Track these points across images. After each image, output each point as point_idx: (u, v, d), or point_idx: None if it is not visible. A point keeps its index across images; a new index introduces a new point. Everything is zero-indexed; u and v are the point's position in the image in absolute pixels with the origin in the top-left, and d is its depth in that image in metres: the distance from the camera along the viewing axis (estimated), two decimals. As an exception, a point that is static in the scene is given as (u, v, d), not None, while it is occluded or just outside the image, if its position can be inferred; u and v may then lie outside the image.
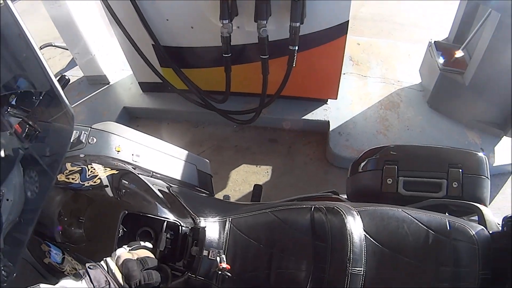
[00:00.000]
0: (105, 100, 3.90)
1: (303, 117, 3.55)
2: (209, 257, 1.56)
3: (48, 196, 1.54)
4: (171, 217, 1.62)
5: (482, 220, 1.69)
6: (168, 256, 1.59)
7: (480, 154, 1.98)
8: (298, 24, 2.50)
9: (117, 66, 4.06)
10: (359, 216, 1.63)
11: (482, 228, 1.61)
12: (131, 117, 3.86)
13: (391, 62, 4.15)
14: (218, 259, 1.53)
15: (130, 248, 1.41)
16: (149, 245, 1.50)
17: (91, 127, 1.91)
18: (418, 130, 3.53)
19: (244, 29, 2.75)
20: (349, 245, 1.54)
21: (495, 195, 3.26)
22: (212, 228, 1.68)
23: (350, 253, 1.52)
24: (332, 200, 2.05)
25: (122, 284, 1.27)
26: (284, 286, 1.59)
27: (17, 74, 1.46)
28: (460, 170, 1.94)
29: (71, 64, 4.54)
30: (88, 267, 1.24)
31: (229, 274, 1.55)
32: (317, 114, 3.57)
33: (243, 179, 3.28)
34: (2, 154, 1.27)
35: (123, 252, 1.35)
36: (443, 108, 3.63)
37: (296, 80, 3.18)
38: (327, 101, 3.60)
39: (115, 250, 1.35)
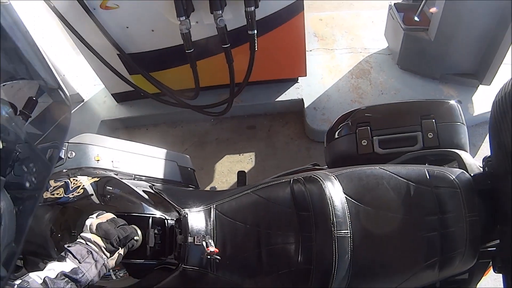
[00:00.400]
0: (82, 118, 3.90)
1: (277, 99, 3.59)
2: (195, 243, 1.57)
3: (37, 216, 1.57)
4: (156, 213, 1.63)
5: (462, 165, 1.70)
6: (159, 251, 1.60)
7: (452, 101, 2.00)
8: (253, 8, 2.53)
9: (88, 82, 4.06)
10: (337, 180, 1.64)
11: (462, 172, 1.62)
12: (111, 130, 3.87)
13: (355, 31, 4.19)
14: (204, 243, 1.55)
15: (97, 214, 1.44)
16: (139, 239, 1.53)
17: (68, 142, 1.94)
18: (392, 93, 3.58)
19: (203, 23, 2.77)
20: (330, 209, 1.55)
21: (480, 144, 3.31)
22: (197, 217, 1.70)
23: (333, 217, 1.54)
24: (312, 171, 2.05)
25: (104, 245, 1.33)
26: (276, 261, 1.61)
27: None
28: (433, 120, 1.95)
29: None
30: (67, 246, 1.29)
31: (218, 257, 1.57)
32: (290, 94, 3.61)
33: (229, 170, 3.32)
34: (0, 145, 1.28)
35: (93, 220, 1.39)
36: (413, 67, 3.68)
37: (264, 64, 3.21)
38: (297, 79, 3.64)
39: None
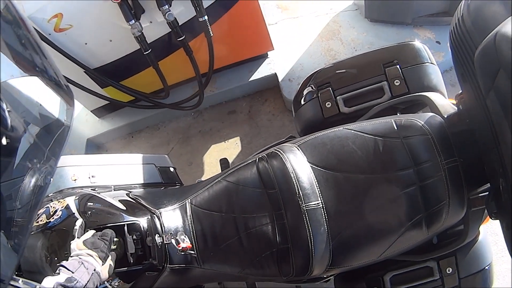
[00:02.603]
0: (69, 140, 3.88)
1: (251, 79, 3.55)
2: (165, 242, 1.58)
3: (30, 246, 1.58)
4: (131, 219, 1.64)
5: (433, 108, 1.61)
6: (142, 256, 1.61)
7: (415, 42, 1.91)
8: (197, -6, 2.51)
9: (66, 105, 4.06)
10: (300, 150, 1.61)
11: (433, 115, 1.55)
12: (98, 145, 3.88)
13: (317, -6, 4.11)
14: (173, 241, 1.56)
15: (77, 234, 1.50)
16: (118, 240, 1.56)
17: None
18: (366, 47, 3.53)
19: (156, 22, 2.75)
20: (295, 182, 1.52)
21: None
22: (173, 215, 1.71)
23: (298, 190, 1.51)
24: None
25: (96, 253, 1.41)
26: (257, 245, 1.61)
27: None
28: (398, 65, 1.86)
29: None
30: (60, 263, 1.35)
31: (192, 252, 1.58)
32: (263, 71, 3.56)
33: (217, 160, 3.29)
34: (4, 142, 1.28)
35: (77, 240, 1.47)
36: (383, 17, 3.59)
37: (228, 47, 3.23)
38: (267, 55, 3.60)
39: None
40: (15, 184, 1.35)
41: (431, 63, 1.88)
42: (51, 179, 1.47)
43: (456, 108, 1.55)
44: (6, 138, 1.27)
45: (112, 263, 1.47)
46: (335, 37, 3.66)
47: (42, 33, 2.65)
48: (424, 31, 3.48)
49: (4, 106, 1.28)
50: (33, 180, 1.40)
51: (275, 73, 3.51)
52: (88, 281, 1.32)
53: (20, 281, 1.29)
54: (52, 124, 1.59)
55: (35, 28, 2.54)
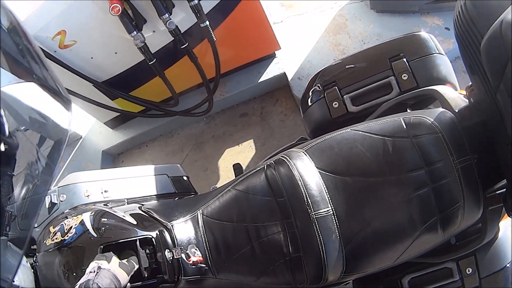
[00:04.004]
0: (84, 153, 3.94)
1: (260, 80, 3.52)
2: (175, 256, 1.56)
3: (47, 263, 1.62)
4: (143, 233, 1.64)
5: (444, 102, 1.53)
6: (156, 269, 1.61)
7: (421, 32, 1.85)
8: (196, 1, 2.49)
9: (80, 118, 4.10)
10: (307, 155, 1.57)
11: (443, 111, 1.48)
12: (113, 157, 3.92)
13: (321, -11, 4.05)
14: (183, 255, 1.55)
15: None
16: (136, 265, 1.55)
17: (57, 187, 1.97)
18: (374, 39, 3.46)
19: (159, 31, 2.75)
20: (302, 190, 1.48)
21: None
22: (185, 227, 1.70)
23: (306, 197, 1.47)
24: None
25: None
26: (270, 254, 1.58)
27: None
28: (404, 58, 1.80)
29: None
30: None
31: (203, 265, 1.57)
32: (271, 71, 3.53)
33: (231, 164, 3.29)
34: (2, 148, 1.30)
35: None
36: (389, 7, 3.50)
37: (234, 50, 3.21)
38: (275, 54, 3.56)
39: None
40: (14, 191, 1.36)
41: (439, 53, 1.82)
42: (51, 185, 1.48)
43: (467, 100, 1.49)
44: (4, 144, 1.28)
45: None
46: (342, 31, 3.61)
47: (47, 51, 2.66)
48: (432, 18, 3.39)
49: (2, 112, 1.28)
50: (31, 186, 1.41)
51: (284, 73, 3.47)
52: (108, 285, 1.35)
53: None
54: (51, 130, 1.59)
55: (40, 47, 2.56)
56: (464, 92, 1.53)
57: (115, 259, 1.48)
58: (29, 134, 1.49)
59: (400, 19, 3.48)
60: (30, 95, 1.50)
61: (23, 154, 1.42)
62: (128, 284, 1.49)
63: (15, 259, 1.37)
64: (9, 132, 1.33)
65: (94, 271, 1.39)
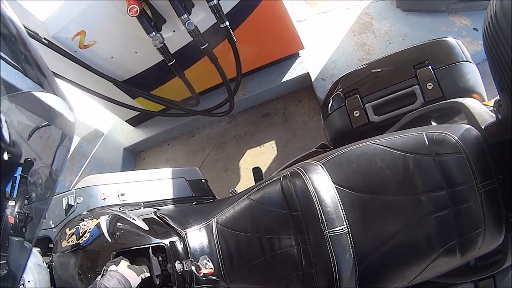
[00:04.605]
0: (106, 150, 3.99)
1: (283, 80, 3.47)
2: (185, 269, 1.54)
3: (63, 264, 1.63)
4: (156, 241, 1.63)
5: (470, 117, 1.44)
6: (168, 277, 1.59)
7: (448, 38, 1.76)
8: (215, 1, 2.46)
9: (102, 116, 4.13)
10: (324, 169, 1.51)
11: (468, 128, 1.39)
12: (135, 154, 3.95)
13: (346, -14, 3.96)
14: (193, 268, 1.52)
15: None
16: (147, 274, 1.54)
17: (74, 189, 1.97)
18: (400, 39, 3.37)
19: (179, 31, 2.72)
20: (317, 207, 1.44)
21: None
22: (199, 235, 1.68)
23: (321, 215, 1.42)
24: (316, 155, 1.87)
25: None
26: (283, 266, 1.54)
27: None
28: (430, 66, 1.73)
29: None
30: None
31: (214, 277, 1.54)
32: (295, 71, 3.48)
33: (253, 165, 3.25)
34: (5, 157, 1.29)
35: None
36: (416, 6, 3.40)
37: (256, 50, 3.19)
38: (298, 54, 3.51)
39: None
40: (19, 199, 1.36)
41: (467, 61, 1.73)
42: (52, 194, 1.48)
43: (495, 116, 1.38)
44: (7, 153, 1.28)
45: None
46: (367, 30, 3.52)
47: (67, 51, 2.68)
48: (459, 18, 3.27)
49: (3, 120, 1.27)
50: (34, 195, 1.41)
51: (308, 73, 3.42)
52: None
53: None
54: (55, 136, 1.58)
55: (60, 48, 2.57)
56: (491, 104, 1.45)
57: (123, 262, 1.48)
58: (31, 142, 1.48)
59: (427, 18, 3.38)
60: (31, 101, 1.48)
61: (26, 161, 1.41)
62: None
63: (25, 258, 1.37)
64: (11, 140, 1.32)
65: (102, 274, 1.41)
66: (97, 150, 4.04)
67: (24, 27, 1.52)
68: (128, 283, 1.40)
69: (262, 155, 3.37)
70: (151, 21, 2.50)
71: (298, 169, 1.56)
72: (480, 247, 1.34)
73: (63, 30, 2.56)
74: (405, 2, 3.44)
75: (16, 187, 1.32)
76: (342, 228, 1.41)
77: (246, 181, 3.28)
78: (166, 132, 3.77)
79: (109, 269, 1.41)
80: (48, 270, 1.66)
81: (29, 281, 1.49)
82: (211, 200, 2.22)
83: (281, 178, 1.60)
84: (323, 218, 1.42)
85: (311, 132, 3.33)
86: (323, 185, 1.47)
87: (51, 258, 1.69)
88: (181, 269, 1.54)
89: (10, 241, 1.28)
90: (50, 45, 2.60)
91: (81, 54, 2.76)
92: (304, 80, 3.47)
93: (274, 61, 3.49)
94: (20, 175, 1.33)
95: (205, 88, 3.38)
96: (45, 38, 2.56)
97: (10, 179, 1.32)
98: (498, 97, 1.29)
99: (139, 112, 3.49)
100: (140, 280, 1.47)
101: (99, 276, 1.39)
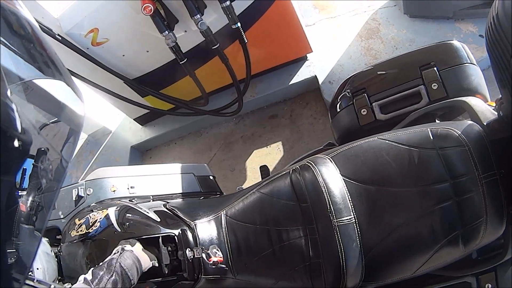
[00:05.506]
0: (113, 147, 4.03)
1: (291, 83, 3.51)
2: (196, 256, 1.58)
3: (71, 253, 1.68)
4: (165, 231, 1.67)
5: (472, 114, 1.51)
6: (177, 266, 1.63)
7: (453, 41, 1.82)
8: (228, 2, 2.50)
9: (110, 113, 4.17)
10: (333, 162, 1.57)
11: (471, 124, 1.46)
12: (142, 153, 3.98)
13: (355, -9, 4.01)
14: (204, 255, 1.56)
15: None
16: (156, 263, 1.58)
17: (84, 181, 2.01)
18: (407, 45, 3.41)
19: (191, 30, 2.77)
20: (326, 197, 1.49)
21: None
22: (208, 227, 1.72)
23: (329, 205, 1.47)
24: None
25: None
26: (291, 258, 1.59)
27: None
28: (435, 67, 1.78)
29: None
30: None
31: (223, 266, 1.58)
32: (302, 74, 3.52)
33: (259, 165, 3.29)
34: (16, 144, 1.28)
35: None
36: (423, 12, 3.44)
37: (265, 52, 3.21)
38: (306, 57, 3.55)
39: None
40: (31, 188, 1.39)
41: (471, 63, 1.78)
42: (61, 184, 1.50)
43: (497, 113, 1.45)
44: (18, 140, 1.29)
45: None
46: (374, 35, 3.57)
47: (80, 47, 2.72)
48: (466, 24, 3.32)
49: (14, 108, 1.30)
50: (45, 183, 1.44)
51: (315, 76, 3.46)
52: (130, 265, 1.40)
53: (35, 281, 1.36)
54: (64, 127, 1.61)
55: (73, 44, 2.62)
56: (494, 104, 1.50)
57: (138, 244, 1.53)
58: (42, 131, 1.50)
59: (433, 25, 3.42)
60: (43, 91, 1.51)
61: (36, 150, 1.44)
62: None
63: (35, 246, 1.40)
64: (22, 128, 1.35)
65: (118, 252, 1.44)
66: (104, 147, 4.07)
67: (38, 23, 1.55)
68: (141, 266, 1.44)
69: (268, 156, 3.40)
70: (164, 21, 2.53)
71: (307, 162, 1.61)
72: (481, 236, 1.39)
73: (77, 27, 2.60)
74: (412, 8, 3.48)
75: (27, 176, 1.33)
76: (350, 218, 1.46)
77: (252, 180, 3.31)
78: (173, 131, 3.80)
79: (126, 249, 1.45)
80: (56, 260, 1.70)
81: (37, 269, 1.52)
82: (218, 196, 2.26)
83: (291, 171, 1.65)
84: (332, 207, 1.47)
85: (318, 134, 3.36)
86: (331, 177, 1.52)
87: (59, 248, 1.74)
88: (192, 256, 1.58)
89: (21, 229, 1.29)
90: (63, 41, 2.64)
91: (93, 51, 2.80)
92: (312, 83, 3.52)
93: (282, 64, 3.53)
94: (32, 164, 1.36)
95: (215, 88, 3.42)
96: (58, 34, 2.60)
97: (20, 167, 1.34)
98: (500, 95, 1.36)
99: (147, 111, 3.52)
100: (151, 265, 1.51)
101: (116, 254, 1.43)
